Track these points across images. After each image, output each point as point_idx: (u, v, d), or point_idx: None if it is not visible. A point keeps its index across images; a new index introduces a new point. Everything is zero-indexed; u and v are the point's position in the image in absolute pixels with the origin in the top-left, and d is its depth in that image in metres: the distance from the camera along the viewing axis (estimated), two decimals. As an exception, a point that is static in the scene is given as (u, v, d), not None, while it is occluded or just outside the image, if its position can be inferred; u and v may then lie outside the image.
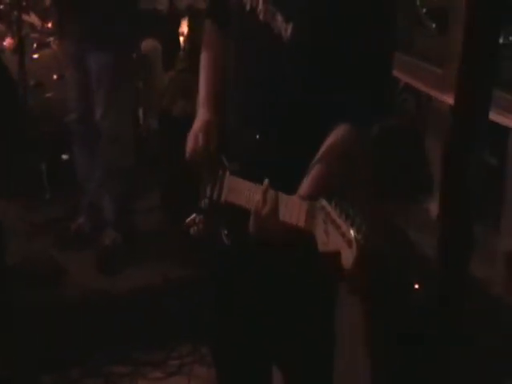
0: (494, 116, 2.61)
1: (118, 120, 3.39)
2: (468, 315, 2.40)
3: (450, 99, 3.12)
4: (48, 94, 4.20)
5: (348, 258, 1.36)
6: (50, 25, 4.41)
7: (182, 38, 5.01)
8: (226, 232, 1.85)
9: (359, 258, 1.33)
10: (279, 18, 1.68)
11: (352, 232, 1.36)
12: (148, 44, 4.66)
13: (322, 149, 1.66)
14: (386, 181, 3.17)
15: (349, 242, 1.36)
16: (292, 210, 1.57)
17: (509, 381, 2.53)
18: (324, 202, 1.46)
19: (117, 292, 3.23)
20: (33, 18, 4.50)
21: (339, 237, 1.39)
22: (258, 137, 1.80)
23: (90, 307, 3.17)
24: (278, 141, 1.78)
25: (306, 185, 1.64)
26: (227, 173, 1.85)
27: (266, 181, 1.63)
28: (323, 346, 2.03)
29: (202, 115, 1.99)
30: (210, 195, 1.90)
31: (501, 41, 3.06)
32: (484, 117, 1.74)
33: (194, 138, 1.95)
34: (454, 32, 3.06)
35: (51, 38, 4.33)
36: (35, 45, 4.29)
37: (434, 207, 3.38)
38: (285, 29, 1.67)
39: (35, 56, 4.31)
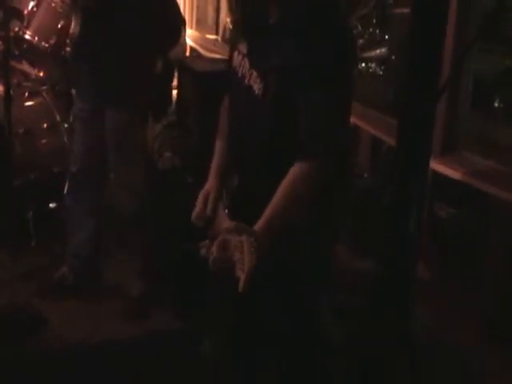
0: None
1: (130, 173, 3.45)
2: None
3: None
4: (37, 142, 4.23)
5: None
6: (42, 74, 4.48)
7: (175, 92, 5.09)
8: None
9: None
10: (257, 79, 1.93)
11: None
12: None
13: (278, 191, 1.87)
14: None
15: None
16: None
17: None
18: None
19: (99, 342, 3.24)
20: (25, 67, 4.57)
21: None
22: (236, 181, 2.07)
23: (70, 357, 3.16)
24: (252, 184, 2.04)
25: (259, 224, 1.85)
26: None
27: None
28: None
29: (208, 182, 2.22)
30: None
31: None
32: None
33: (199, 200, 2.18)
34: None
35: (44, 87, 4.39)
36: (27, 93, 4.32)
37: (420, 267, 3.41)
38: (258, 88, 1.92)
39: (27, 104, 4.34)
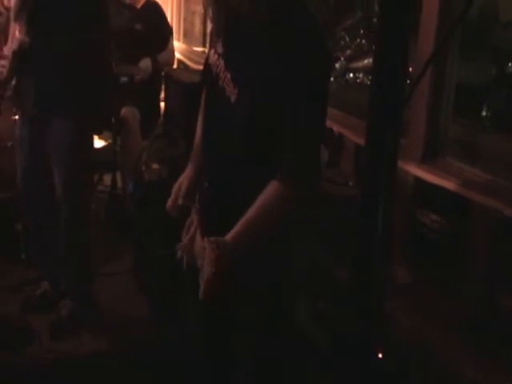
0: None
1: (78, 194, 3.38)
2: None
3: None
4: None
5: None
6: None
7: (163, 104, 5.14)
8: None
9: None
10: (231, 83, 1.91)
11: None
12: (127, 110, 4.76)
13: (252, 206, 1.88)
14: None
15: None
16: None
17: None
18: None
19: (81, 355, 3.25)
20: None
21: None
22: (206, 185, 2.06)
23: (59, 370, 3.17)
24: (221, 189, 2.02)
25: (230, 234, 1.88)
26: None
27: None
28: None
29: (187, 169, 2.23)
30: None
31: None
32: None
33: (174, 190, 2.21)
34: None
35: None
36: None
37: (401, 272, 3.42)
38: (232, 92, 1.90)
39: (14, 117, 4.34)
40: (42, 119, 3.27)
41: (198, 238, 2.02)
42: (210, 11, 2.01)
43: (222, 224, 1.92)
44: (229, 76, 1.92)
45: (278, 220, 1.90)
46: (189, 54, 6.48)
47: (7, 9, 4.40)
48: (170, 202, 2.21)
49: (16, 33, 3.35)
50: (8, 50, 3.53)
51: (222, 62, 1.96)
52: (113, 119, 4.55)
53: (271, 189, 1.86)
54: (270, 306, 2.05)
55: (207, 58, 2.10)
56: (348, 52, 5.37)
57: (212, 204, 2.05)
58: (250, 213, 1.87)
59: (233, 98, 1.90)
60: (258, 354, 2.11)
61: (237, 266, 1.86)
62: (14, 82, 3.42)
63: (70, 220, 3.39)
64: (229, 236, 1.87)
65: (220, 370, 2.23)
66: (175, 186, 2.22)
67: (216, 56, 2.00)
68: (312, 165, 1.90)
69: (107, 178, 4.86)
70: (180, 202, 2.16)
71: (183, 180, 2.21)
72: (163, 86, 4.68)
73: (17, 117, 3.65)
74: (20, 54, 3.27)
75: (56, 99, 3.23)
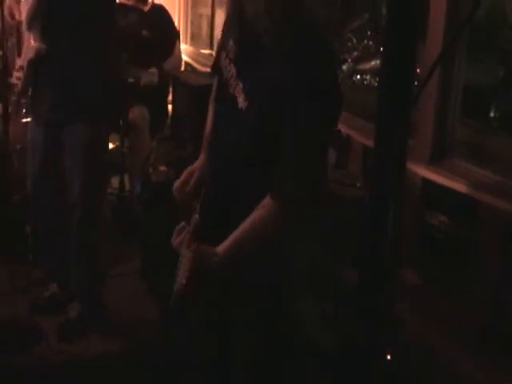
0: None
1: (92, 196, 3.42)
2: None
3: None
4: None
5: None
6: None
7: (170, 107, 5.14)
8: None
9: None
10: (242, 93, 1.90)
11: None
12: (136, 111, 4.77)
13: (246, 221, 1.88)
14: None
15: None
16: None
17: None
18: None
19: (89, 357, 3.26)
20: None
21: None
22: (204, 190, 2.07)
23: (67, 371, 3.19)
24: (225, 192, 2.02)
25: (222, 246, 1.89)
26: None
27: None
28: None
29: (199, 159, 2.23)
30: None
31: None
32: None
33: (184, 173, 2.21)
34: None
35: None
36: (24, 110, 4.36)
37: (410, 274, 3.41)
38: (242, 103, 1.90)
39: (24, 120, 4.38)
40: (56, 122, 3.31)
41: (185, 244, 2.02)
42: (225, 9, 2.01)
43: (222, 226, 1.93)
44: (240, 85, 1.91)
45: (272, 236, 1.89)
46: (196, 57, 6.48)
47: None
48: (178, 184, 2.20)
49: (31, 41, 3.39)
50: (22, 61, 3.55)
51: (233, 70, 1.95)
52: (121, 121, 4.57)
53: (265, 207, 1.86)
54: (270, 307, 2.06)
55: (217, 59, 2.10)
56: (355, 54, 5.37)
57: (214, 206, 2.05)
58: (243, 228, 1.87)
59: (243, 107, 1.89)
60: (258, 355, 2.11)
61: (227, 275, 1.89)
62: (30, 92, 3.46)
63: (83, 221, 3.41)
64: (220, 248, 1.87)
65: (220, 370, 2.24)
66: (186, 171, 2.21)
67: (228, 60, 1.99)
68: (312, 165, 1.88)
69: (115, 181, 4.87)
70: (188, 190, 2.16)
71: (195, 168, 2.20)
72: (171, 89, 4.69)
73: (28, 119, 3.69)
74: (36, 63, 3.31)
75: (72, 104, 3.28)
